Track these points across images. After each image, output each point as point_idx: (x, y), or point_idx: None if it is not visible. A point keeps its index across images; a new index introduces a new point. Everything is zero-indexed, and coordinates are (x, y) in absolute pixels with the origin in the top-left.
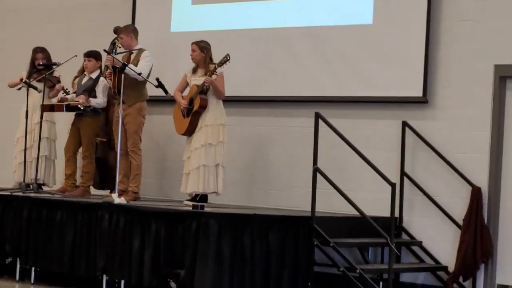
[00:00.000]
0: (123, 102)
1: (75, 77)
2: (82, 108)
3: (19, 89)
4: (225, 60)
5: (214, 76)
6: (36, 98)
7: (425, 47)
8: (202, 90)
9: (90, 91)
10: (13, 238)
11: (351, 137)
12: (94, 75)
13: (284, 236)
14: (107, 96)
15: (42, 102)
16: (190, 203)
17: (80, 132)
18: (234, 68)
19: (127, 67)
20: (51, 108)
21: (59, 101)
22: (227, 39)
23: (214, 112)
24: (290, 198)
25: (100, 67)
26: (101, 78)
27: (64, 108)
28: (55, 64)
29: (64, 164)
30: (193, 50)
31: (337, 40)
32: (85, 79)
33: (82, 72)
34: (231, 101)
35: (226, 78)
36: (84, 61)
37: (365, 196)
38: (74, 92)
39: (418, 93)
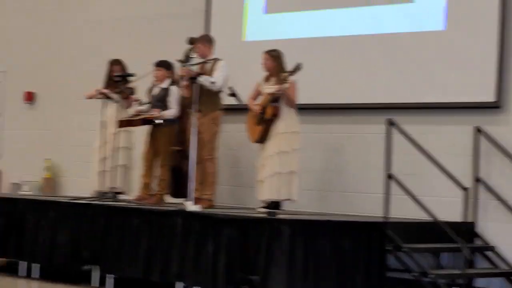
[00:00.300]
0: (199, 111)
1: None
2: (156, 122)
3: (95, 98)
4: (297, 68)
5: (286, 85)
6: (112, 108)
7: (498, 52)
8: (274, 99)
9: (162, 101)
10: (90, 245)
11: (424, 143)
12: (165, 85)
13: (357, 242)
14: (182, 105)
15: (119, 117)
16: (264, 210)
17: (156, 141)
18: (307, 76)
19: (201, 77)
20: (128, 123)
21: (134, 114)
22: (300, 47)
23: (287, 120)
24: (364, 204)
25: (170, 77)
26: (172, 87)
27: (141, 123)
28: (131, 75)
29: (140, 172)
30: (265, 59)
31: (409, 46)
32: (156, 90)
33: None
34: (305, 109)
35: (300, 86)
36: (154, 70)
37: (439, 202)
38: (149, 102)
39: (491, 98)
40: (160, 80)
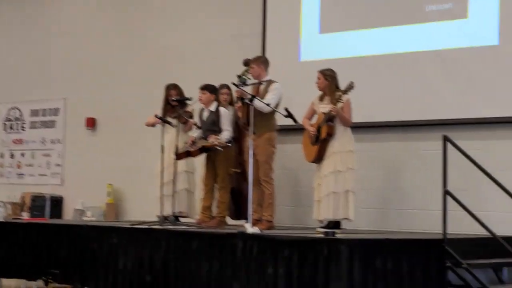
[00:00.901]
0: (253, 133)
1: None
2: (218, 148)
3: (154, 126)
4: (350, 87)
5: (340, 104)
6: (171, 133)
7: None
8: (329, 118)
9: (215, 124)
10: (152, 270)
11: (481, 158)
12: (212, 108)
13: (416, 259)
14: (238, 127)
15: (177, 142)
16: (323, 230)
17: (215, 164)
18: (363, 94)
19: (255, 100)
20: (188, 154)
21: (190, 143)
22: (355, 66)
23: (342, 139)
24: (424, 220)
25: (216, 99)
26: (221, 109)
27: (199, 152)
28: (188, 99)
29: (201, 196)
30: (318, 78)
31: (464, 62)
32: (205, 113)
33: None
34: (361, 127)
35: (356, 104)
36: (199, 93)
37: (498, 217)
38: (200, 127)
39: None
40: (206, 103)
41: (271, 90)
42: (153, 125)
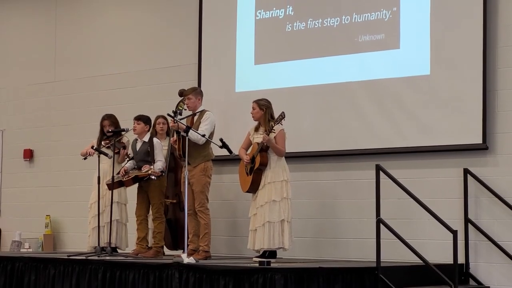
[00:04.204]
0: (188, 164)
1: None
2: (152, 178)
3: (85, 158)
4: (281, 118)
5: (272, 134)
6: (106, 164)
7: (483, 94)
8: (262, 148)
9: (148, 155)
10: None
11: (414, 187)
12: (146, 138)
13: (350, 287)
14: (175, 157)
15: (113, 179)
16: (258, 259)
17: (148, 195)
18: (297, 124)
19: (190, 132)
20: (120, 184)
21: (123, 173)
22: (290, 96)
23: (276, 168)
24: (358, 249)
25: (149, 130)
26: (155, 140)
27: (132, 182)
28: (123, 130)
29: (135, 227)
30: (253, 108)
31: (396, 91)
32: (139, 144)
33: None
34: (294, 157)
35: (290, 134)
36: (134, 124)
37: (431, 244)
38: (132, 158)
39: (478, 140)
40: (139, 133)
41: (204, 120)
42: (85, 155)
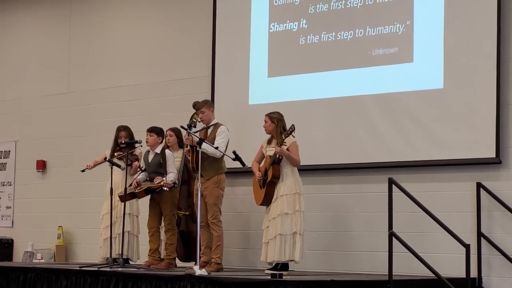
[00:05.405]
0: (201, 176)
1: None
2: (165, 189)
3: (83, 171)
4: (291, 130)
5: (283, 147)
6: (118, 175)
7: (496, 108)
8: (274, 161)
9: (160, 167)
10: None
11: (427, 200)
12: (158, 150)
13: None
14: (189, 169)
15: (125, 191)
16: (270, 272)
17: (160, 206)
18: (310, 137)
19: (204, 145)
20: (133, 196)
21: (135, 185)
22: (303, 109)
23: (289, 181)
24: (370, 262)
25: (161, 142)
26: (167, 152)
27: (145, 194)
28: (136, 142)
29: (147, 239)
30: (265, 121)
31: (409, 105)
32: (151, 156)
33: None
34: (308, 170)
35: (302, 147)
36: (146, 135)
37: (444, 258)
38: (144, 170)
39: (491, 153)
40: (152, 145)
41: (219, 133)
42: (94, 165)
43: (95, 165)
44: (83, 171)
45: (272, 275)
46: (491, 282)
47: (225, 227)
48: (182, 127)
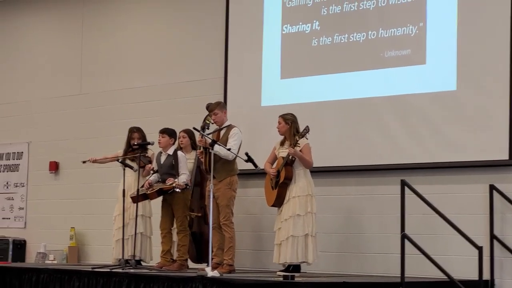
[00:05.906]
0: (214, 178)
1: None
2: (177, 190)
3: (84, 162)
4: (305, 132)
5: (297, 148)
6: (130, 177)
7: (510, 109)
8: (287, 162)
9: (172, 168)
10: None
11: (439, 202)
12: (170, 151)
13: None
14: (201, 170)
15: (138, 192)
16: (282, 273)
17: (172, 208)
18: (323, 138)
19: (216, 147)
20: (145, 197)
21: (147, 187)
22: (316, 111)
23: (301, 183)
24: (383, 264)
25: (173, 144)
26: (179, 153)
27: (157, 195)
28: (149, 143)
29: (160, 240)
30: (279, 123)
31: (422, 107)
32: (163, 157)
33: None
34: (320, 172)
35: (316, 149)
36: (159, 137)
37: (456, 260)
38: (157, 171)
39: (505, 156)
40: (164, 147)
41: (232, 135)
42: (103, 161)
43: (102, 162)
44: (84, 162)
45: (284, 276)
46: (504, 285)
47: (237, 229)
48: (195, 128)
